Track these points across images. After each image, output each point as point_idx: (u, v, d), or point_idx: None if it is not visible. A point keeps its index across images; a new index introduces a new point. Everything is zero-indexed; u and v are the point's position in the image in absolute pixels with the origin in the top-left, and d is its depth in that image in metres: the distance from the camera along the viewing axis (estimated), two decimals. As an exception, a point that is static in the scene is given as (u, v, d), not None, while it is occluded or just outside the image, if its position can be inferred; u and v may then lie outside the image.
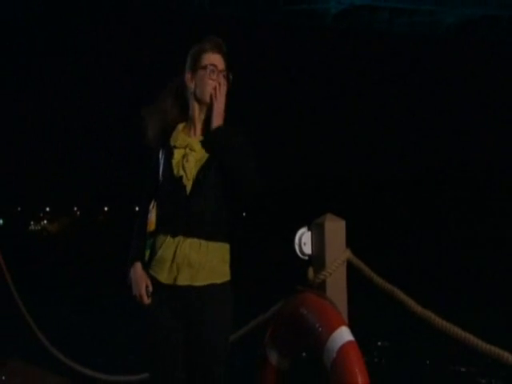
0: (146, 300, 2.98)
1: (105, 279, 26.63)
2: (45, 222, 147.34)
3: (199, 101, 3.07)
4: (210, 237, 2.97)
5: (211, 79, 3.02)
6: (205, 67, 3.03)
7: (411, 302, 2.66)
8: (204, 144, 3.03)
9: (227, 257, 3.06)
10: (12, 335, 7.89)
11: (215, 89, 3.01)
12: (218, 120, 2.99)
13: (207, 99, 3.03)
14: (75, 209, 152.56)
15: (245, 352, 3.90)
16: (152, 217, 3.06)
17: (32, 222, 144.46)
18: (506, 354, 2.36)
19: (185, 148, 3.04)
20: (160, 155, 3.10)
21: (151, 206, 3.08)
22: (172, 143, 3.07)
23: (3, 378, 6.84)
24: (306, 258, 2.99)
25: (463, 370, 11.21)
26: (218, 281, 2.99)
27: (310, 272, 2.95)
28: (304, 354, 2.99)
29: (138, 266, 3.06)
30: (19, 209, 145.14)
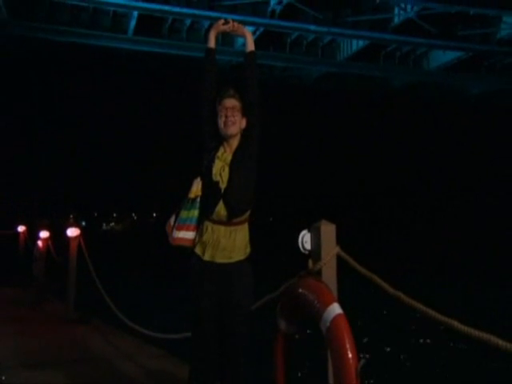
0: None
1: (156, 265, 26.57)
2: (113, 223, 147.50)
3: (221, 132, 3.06)
4: (238, 224, 2.97)
5: (222, 117, 3.04)
6: (219, 109, 3.06)
7: (385, 285, 2.53)
8: (233, 158, 3.04)
9: (248, 237, 3.05)
10: (92, 303, 7.80)
11: (226, 123, 3.03)
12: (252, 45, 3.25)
13: (222, 131, 3.04)
14: (133, 214, 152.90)
15: (260, 319, 3.75)
16: (195, 188, 3.03)
17: (104, 224, 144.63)
18: (455, 323, 2.23)
19: (223, 161, 3.04)
20: (211, 150, 3.10)
21: (198, 180, 3.05)
22: (217, 154, 3.06)
23: (89, 331, 6.90)
24: (307, 252, 2.90)
25: (425, 340, 10.98)
26: (243, 257, 3.00)
27: (310, 263, 2.84)
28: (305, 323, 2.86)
29: None
30: (95, 214, 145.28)
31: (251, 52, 3.24)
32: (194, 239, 3.03)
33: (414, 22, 23.28)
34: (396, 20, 23.40)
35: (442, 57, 28.40)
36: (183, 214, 3.03)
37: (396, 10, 23.19)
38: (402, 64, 29.26)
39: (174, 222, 3.05)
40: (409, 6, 22.41)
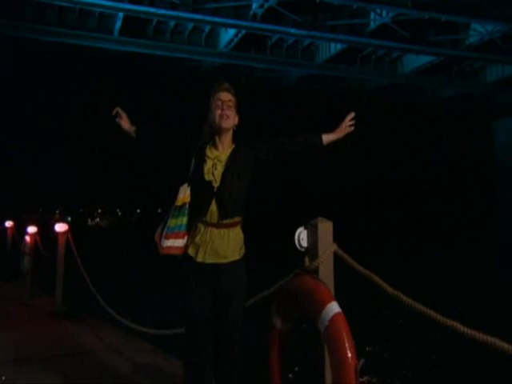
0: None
1: (139, 259, 26.23)
2: (97, 219, 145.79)
3: (215, 126, 2.89)
4: (231, 226, 2.82)
5: (218, 109, 2.87)
6: (214, 102, 2.90)
7: (384, 284, 2.41)
8: (228, 156, 2.89)
9: (243, 238, 2.90)
10: (80, 297, 7.62)
11: (221, 116, 2.86)
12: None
13: (216, 124, 2.87)
14: (117, 210, 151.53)
15: (254, 316, 3.60)
16: (182, 195, 2.85)
17: (89, 219, 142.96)
18: (458, 325, 2.12)
19: (213, 159, 2.86)
20: (195, 151, 2.92)
21: (184, 186, 2.86)
22: (205, 153, 2.89)
23: (77, 326, 6.69)
24: (303, 250, 2.76)
25: (424, 339, 10.60)
26: (238, 257, 2.85)
27: (306, 260, 2.71)
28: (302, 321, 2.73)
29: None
30: (81, 210, 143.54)
31: (322, 144, 3.07)
32: (184, 247, 2.87)
33: (389, 27, 23.40)
34: (372, 25, 23.47)
35: (415, 61, 28.63)
36: (171, 222, 2.85)
37: (372, 15, 23.26)
38: (377, 67, 29.44)
39: (162, 230, 2.88)
40: (384, 12, 22.47)
